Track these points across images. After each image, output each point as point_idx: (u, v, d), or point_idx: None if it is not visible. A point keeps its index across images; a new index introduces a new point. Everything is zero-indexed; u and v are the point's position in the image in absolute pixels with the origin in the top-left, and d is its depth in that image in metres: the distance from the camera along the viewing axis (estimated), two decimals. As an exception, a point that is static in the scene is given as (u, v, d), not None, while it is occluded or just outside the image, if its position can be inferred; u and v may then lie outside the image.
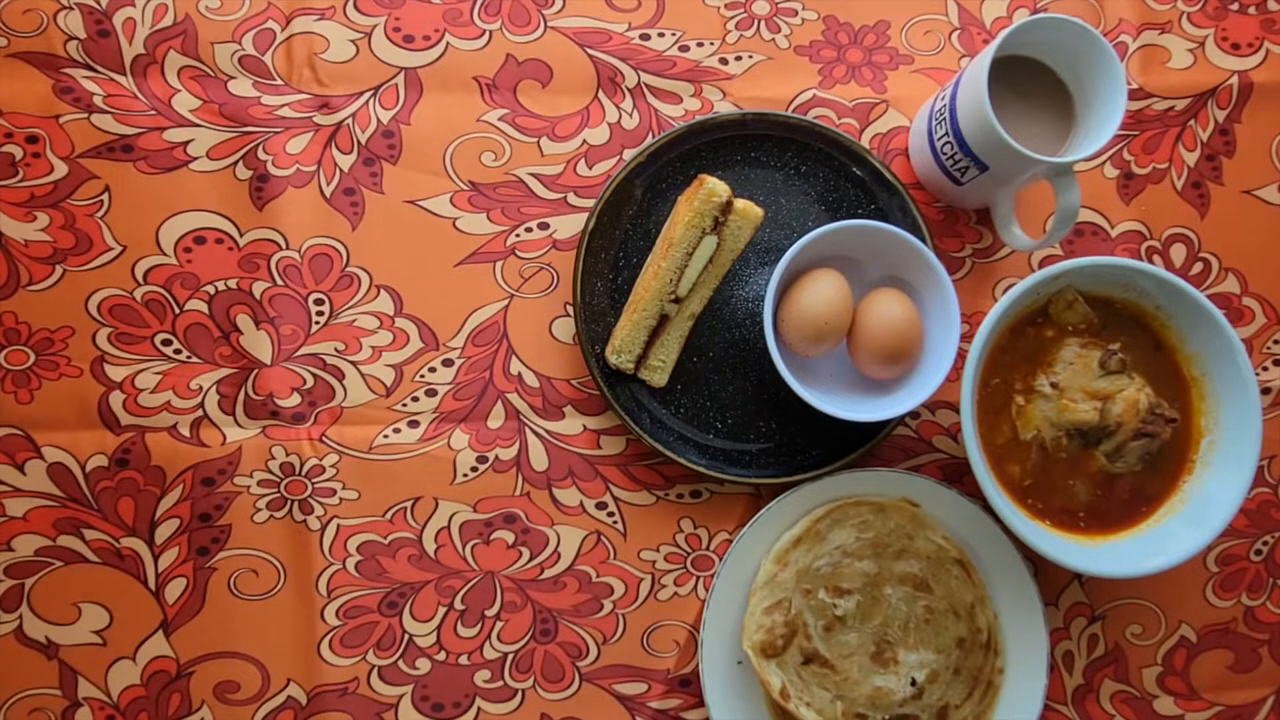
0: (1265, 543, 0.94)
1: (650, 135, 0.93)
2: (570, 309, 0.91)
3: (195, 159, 0.90)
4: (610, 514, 0.91)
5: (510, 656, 0.90)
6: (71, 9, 0.90)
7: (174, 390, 0.88)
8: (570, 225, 0.92)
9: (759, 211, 0.87)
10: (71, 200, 0.89)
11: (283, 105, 0.91)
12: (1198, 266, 0.96)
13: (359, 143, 0.91)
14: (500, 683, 0.89)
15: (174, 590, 0.88)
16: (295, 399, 0.89)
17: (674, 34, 0.94)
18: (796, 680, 0.85)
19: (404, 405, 0.90)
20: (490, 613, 0.90)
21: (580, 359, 0.90)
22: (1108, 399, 0.83)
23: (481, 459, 0.90)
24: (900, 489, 0.88)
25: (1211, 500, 0.83)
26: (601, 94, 0.93)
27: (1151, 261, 0.95)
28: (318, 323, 0.90)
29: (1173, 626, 0.93)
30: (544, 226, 0.92)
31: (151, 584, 0.87)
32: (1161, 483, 0.85)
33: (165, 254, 0.89)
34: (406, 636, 0.89)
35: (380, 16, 0.93)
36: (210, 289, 0.89)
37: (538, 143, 0.93)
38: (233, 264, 0.90)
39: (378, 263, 0.91)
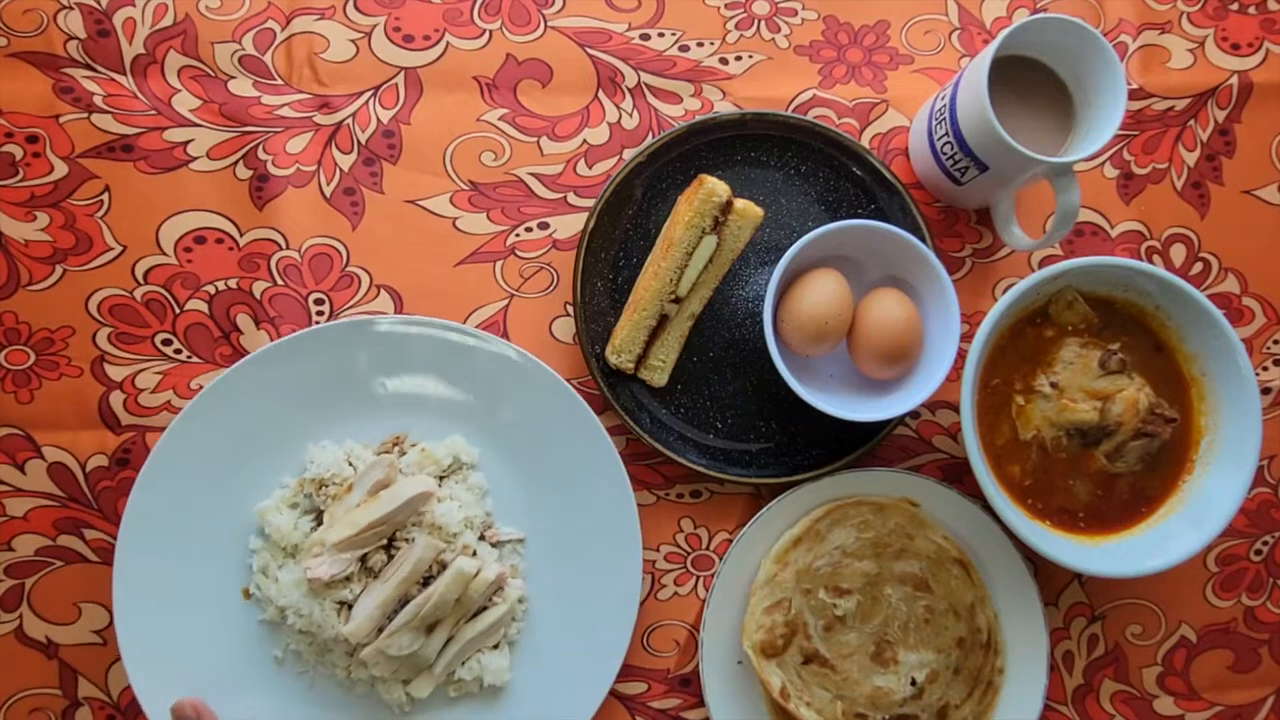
0: (1265, 543, 0.94)
1: (650, 135, 0.93)
2: (570, 309, 0.91)
3: (195, 159, 0.90)
4: (610, 514, 0.91)
5: (510, 656, 0.90)
6: (71, 9, 0.90)
7: (174, 390, 0.88)
8: (570, 225, 0.92)
9: (759, 211, 0.87)
10: (72, 200, 0.89)
11: (283, 105, 0.91)
12: (1198, 266, 0.96)
13: (359, 142, 0.91)
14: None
15: (174, 590, 0.88)
16: (295, 399, 0.89)
17: (674, 34, 0.94)
18: (796, 680, 0.85)
19: (404, 405, 0.90)
20: (490, 612, 0.90)
21: (580, 359, 0.90)
22: (1108, 399, 0.83)
23: (481, 459, 0.90)
24: (900, 489, 0.89)
25: (1211, 500, 0.83)
26: (601, 94, 0.93)
27: (1151, 261, 0.95)
28: (318, 322, 0.90)
29: (1173, 626, 0.93)
30: (544, 226, 0.92)
31: (151, 584, 0.87)
32: (1161, 483, 0.85)
33: (165, 254, 0.89)
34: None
35: (380, 16, 0.93)
36: (210, 289, 0.89)
37: (538, 142, 0.93)
38: (233, 264, 0.90)
39: (378, 262, 0.91)
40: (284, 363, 0.85)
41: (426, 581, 0.83)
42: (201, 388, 0.88)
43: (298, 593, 0.82)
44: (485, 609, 0.84)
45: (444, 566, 0.83)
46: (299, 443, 0.86)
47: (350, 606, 0.82)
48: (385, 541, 0.83)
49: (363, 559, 0.82)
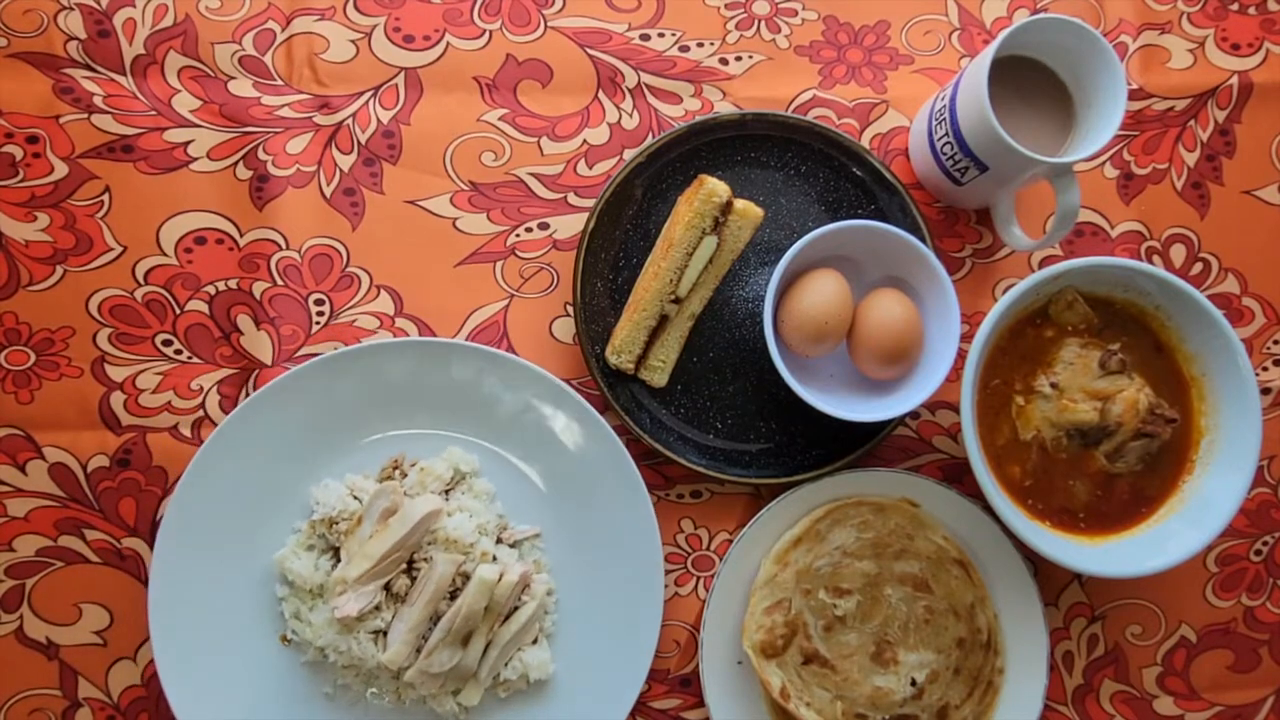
0: (1265, 543, 0.94)
1: (650, 135, 0.93)
2: (570, 309, 0.91)
3: (195, 159, 0.90)
4: (610, 514, 0.91)
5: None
6: (71, 9, 0.90)
7: (175, 390, 0.88)
8: (570, 225, 0.92)
9: (759, 212, 0.87)
10: (72, 200, 0.89)
11: (283, 105, 0.91)
12: (1198, 266, 0.96)
13: (359, 143, 0.91)
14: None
15: (174, 590, 0.88)
16: (295, 399, 0.89)
17: (674, 34, 0.94)
18: (796, 680, 0.85)
19: (404, 405, 0.90)
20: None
21: (580, 359, 0.90)
22: (1108, 399, 0.83)
23: (482, 459, 0.90)
24: (900, 489, 0.89)
25: (1211, 500, 0.83)
26: (601, 94, 0.93)
27: (1151, 261, 0.95)
28: (318, 323, 0.90)
29: (1173, 626, 0.93)
30: (544, 226, 0.92)
31: (152, 584, 0.88)
32: (1161, 483, 0.85)
33: (166, 254, 0.89)
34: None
35: (380, 16, 0.93)
36: (211, 289, 0.89)
37: (538, 143, 0.93)
38: (233, 264, 0.90)
39: (378, 263, 0.91)
40: (269, 413, 0.85)
41: (454, 595, 0.83)
42: (201, 389, 0.88)
43: (331, 631, 0.82)
44: (517, 608, 0.85)
45: (467, 577, 0.83)
46: (302, 486, 0.87)
47: (385, 634, 0.82)
48: (405, 565, 0.83)
49: (386, 586, 0.83)
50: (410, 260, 0.91)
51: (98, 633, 0.87)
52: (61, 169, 0.89)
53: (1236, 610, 0.94)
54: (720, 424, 0.91)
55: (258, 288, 0.90)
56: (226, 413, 0.87)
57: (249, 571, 0.86)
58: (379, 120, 0.92)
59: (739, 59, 0.95)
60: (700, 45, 0.95)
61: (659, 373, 0.89)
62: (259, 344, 0.89)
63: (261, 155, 0.90)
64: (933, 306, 0.85)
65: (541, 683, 0.86)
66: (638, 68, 0.94)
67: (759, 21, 0.95)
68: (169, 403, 0.88)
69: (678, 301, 0.87)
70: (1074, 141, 0.85)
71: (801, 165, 0.92)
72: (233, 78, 0.91)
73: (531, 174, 0.92)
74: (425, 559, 0.83)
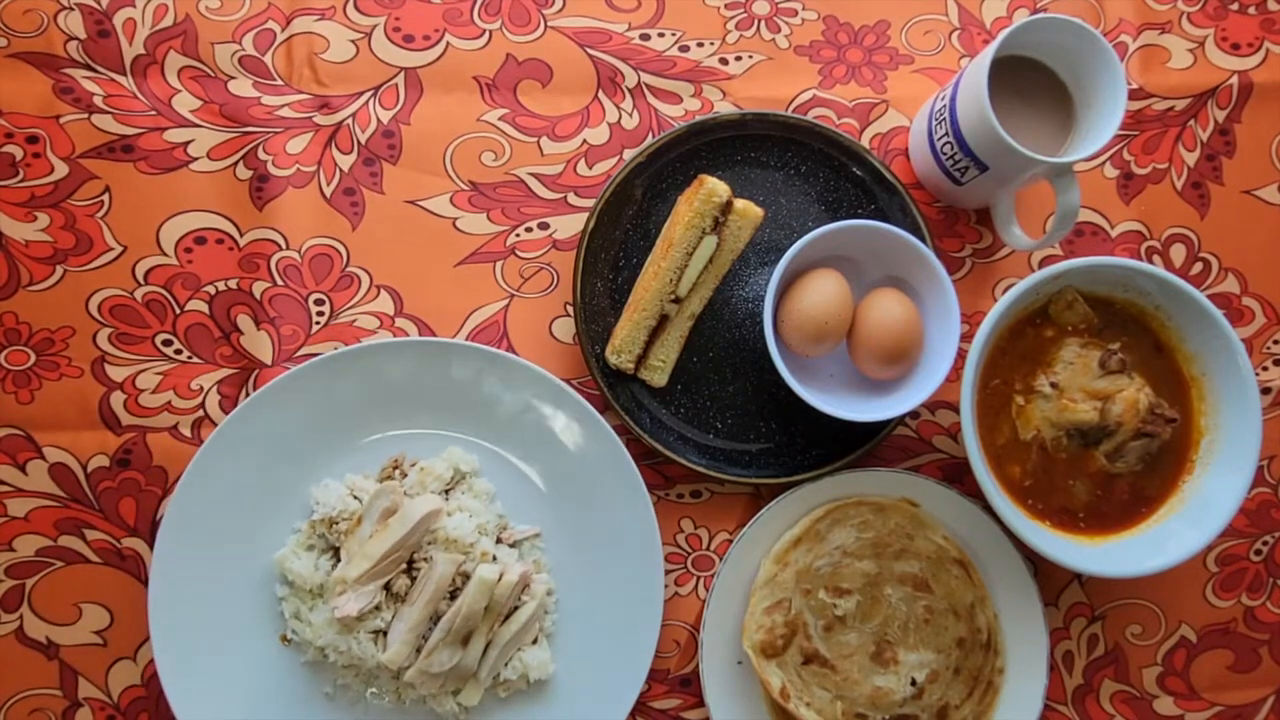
0: (1265, 543, 0.94)
1: (650, 135, 0.93)
2: (570, 309, 0.91)
3: (195, 159, 0.90)
4: (610, 514, 0.91)
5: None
6: (71, 9, 0.90)
7: (175, 390, 0.89)
8: (570, 225, 0.92)
9: (759, 211, 0.87)
10: (72, 200, 0.89)
11: (283, 105, 0.91)
12: (1198, 266, 0.96)
13: (359, 143, 0.91)
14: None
15: (174, 590, 0.88)
16: (295, 399, 0.89)
17: (674, 34, 0.94)
18: (796, 680, 0.85)
19: (404, 405, 0.90)
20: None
21: (580, 359, 0.90)
22: (1108, 399, 0.83)
23: (482, 459, 0.90)
24: (900, 489, 0.89)
25: (1211, 500, 0.83)
26: (601, 94, 0.93)
27: (1151, 261, 0.95)
28: (318, 323, 0.90)
29: (1173, 626, 0.93)
30: (544, 226, 0.92)
31: (152, 584, 0.88)
32: (1161, 483, 0.85)
33: (166, 254, 0.89)
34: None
35: (380, 16, 0.93)
36: (211, 289, 0.89)
37: (538, 142, 0.93)
38: (233, 264, 0.90)
39: (378, 263, 0.91)
40: (269, 413, 0.85)
41: (454, 595, 0.83)
42: (201, 389, 0.88)
43: (331, 631, 0.82)
44: (517, 608, 0.85)
45: (467, 577, 0.83)
46: (302, 486, 0.87)
47: (385, 634, 0.83)
48: (405, 565, 0.83)
49: (386, 586, 0.83)
50: (410, 260, 0.91)
51: (98, 633, 0.87)
52: (61, 169, 0.89)
53: (1236, 610, 0.94)
54: (720, 424, 0.91)
55: (258, 288, 0.90)
56: (226, 413, 0.87)
57: (249, 571, 0.86)
58: (379, 120, 0.92)
59: (739, 59, 0.95)
60: (700, 45, 0.95)
61: (659, 373, 0.89)
62: (259, 344, 0.89)
63: (261, 155, 0.90)
64: (933, 306, 0.85)
65: (541, 683, 0.86)
66: (638, 68, 0.94)
67: (759, 21, 0.95)
68: (169, 403, 0.88)
69: (678, 301, 0.87)
70: (1074, 141, 0.85)
71: (801, 165, 0.92)
72: (233, 78, 0.91)
73: (531, 174, 0.92)
74: (425, 559, 0.83)
